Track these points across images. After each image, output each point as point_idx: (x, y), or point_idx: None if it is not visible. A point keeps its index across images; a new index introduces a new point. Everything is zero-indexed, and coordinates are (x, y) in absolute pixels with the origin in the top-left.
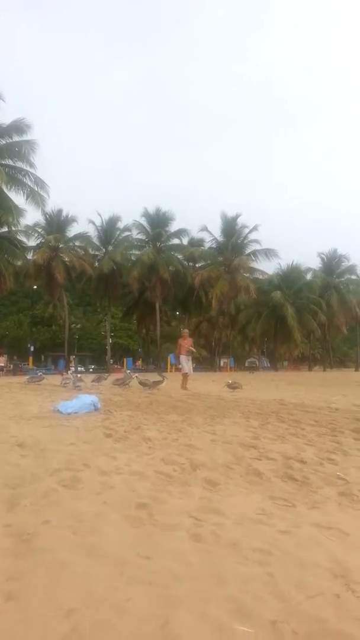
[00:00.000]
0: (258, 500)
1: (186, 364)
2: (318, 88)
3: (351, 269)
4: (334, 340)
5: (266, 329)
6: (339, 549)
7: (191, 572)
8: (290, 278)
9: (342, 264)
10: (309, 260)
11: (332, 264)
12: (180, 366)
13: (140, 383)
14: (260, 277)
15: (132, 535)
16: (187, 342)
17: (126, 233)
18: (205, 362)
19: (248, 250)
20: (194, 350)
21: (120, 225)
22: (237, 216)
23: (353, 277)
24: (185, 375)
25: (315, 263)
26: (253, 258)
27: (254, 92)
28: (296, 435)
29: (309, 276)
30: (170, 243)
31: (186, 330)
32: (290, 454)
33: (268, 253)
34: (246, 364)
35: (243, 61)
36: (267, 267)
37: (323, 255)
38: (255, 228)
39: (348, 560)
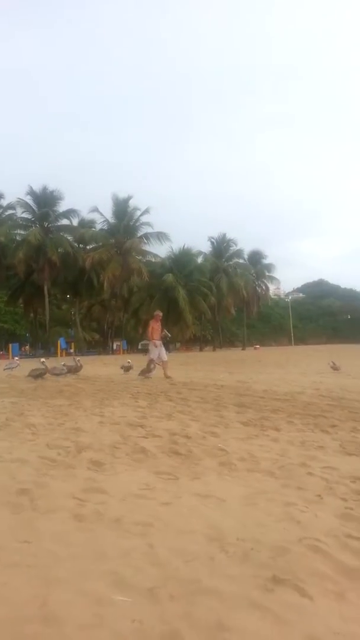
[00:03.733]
0: (143, 476)
1: (160, 349)
2: (221, 79)
3: (239, 253)
4: (223, 321)
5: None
6: (216, 515)
7: (72, 552)
8: (182, 261)
9: (231, 248)
10: (200, 244)
11: (221, 248)
12: (150, 352)
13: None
14: (153, 260)
15: (11, 522)
16: (159, 326)
17: (10, 211)
18: (98, 345)
19: (140, 233)
20: (168, 334)
21: (3, 202)
22: (128, 198)
23: (240, 261)
24: (163, 364)
25: (205, 247)
26: (145, 241)
27: (157, 80)
28: (183, 413)
29: (199, 259)
30: (59, 223)
31: (159, 313)
32: (176, 430)
33: (160, 236)
34: (139, 347)
35: (150, 45)
36: (160, 250)
37: (213, 240)
38: (147, 211)
39: (223, 525)
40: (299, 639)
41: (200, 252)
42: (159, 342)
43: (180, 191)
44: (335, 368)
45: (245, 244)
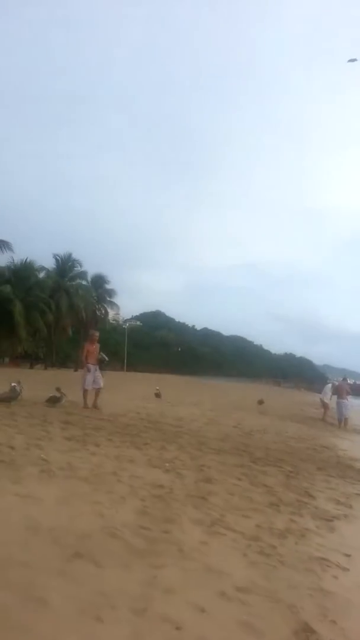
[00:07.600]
0: None
1: (95, 374)
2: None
3: (82, 275)
4: (58, 341)
5: None
6: (34, 510)
7: None
8: (23, 274)
9: (75, 268)
10: (44, 260)
11: (65, 267)
12: (83, 379)
13: None
14: None
15: None
16: (95, 348)
17: None
18: None
19: None
20: (106, 358)
21: None
22: None
23: (83, 282)
24: (96, 391)
25: (49, 263)
26: None
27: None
28: (9, 426)
29: (41, 275)
30: None
31: (96, 333)
32: (1, 442)
33: (1, 245)
34: None
35: None
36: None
37: (58, 257)
38: None
39: (39, 518)
40: (90, 592)
41: (43, 268)
42: (92, 367)
43: (27, 200)
44: (158, 395)
45: (90, 266)
